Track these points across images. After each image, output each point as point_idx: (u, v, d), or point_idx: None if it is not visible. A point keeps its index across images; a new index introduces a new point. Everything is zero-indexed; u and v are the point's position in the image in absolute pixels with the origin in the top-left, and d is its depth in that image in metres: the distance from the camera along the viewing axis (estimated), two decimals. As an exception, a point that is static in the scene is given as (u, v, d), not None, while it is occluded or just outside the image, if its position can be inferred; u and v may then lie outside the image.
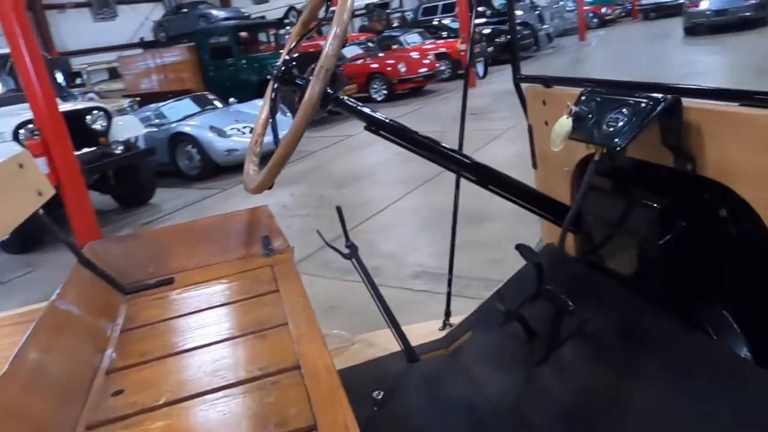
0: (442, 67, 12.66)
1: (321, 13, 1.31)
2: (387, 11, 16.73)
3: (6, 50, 4.91)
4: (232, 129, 7.43)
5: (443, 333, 1.63)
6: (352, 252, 1.43)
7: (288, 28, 15.90)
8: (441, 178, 5.87)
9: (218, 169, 7.43)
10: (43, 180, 1.41)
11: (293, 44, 1.28)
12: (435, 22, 16.01)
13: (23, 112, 5.18)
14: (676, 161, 1.06)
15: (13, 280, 4.92)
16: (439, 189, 5.65)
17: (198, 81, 11.10)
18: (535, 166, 1.58)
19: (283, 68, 1.17)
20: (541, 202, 1.41)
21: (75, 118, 5.52)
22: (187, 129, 7.50)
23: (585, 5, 19.46)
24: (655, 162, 1.11)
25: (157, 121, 7.98)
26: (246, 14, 17.96)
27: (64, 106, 5.51)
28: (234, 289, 1.35)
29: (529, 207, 1.41)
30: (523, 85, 1.54)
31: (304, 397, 0.93)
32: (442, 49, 13.03)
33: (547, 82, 1.43)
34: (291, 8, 19.88)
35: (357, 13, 19.02)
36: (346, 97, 1.15)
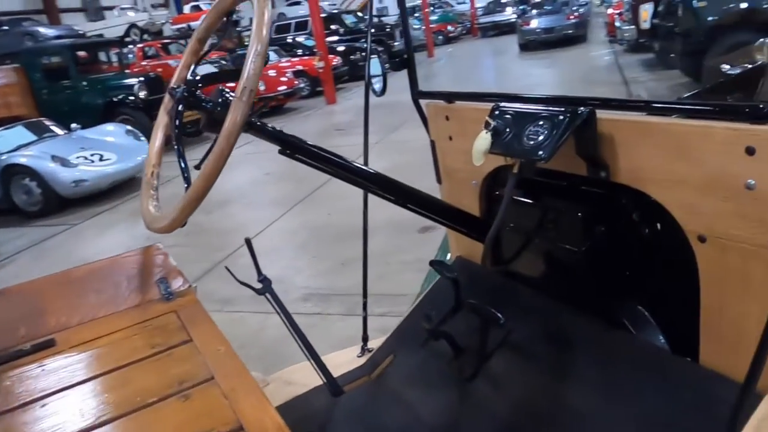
0: (301, 85, 12.64)
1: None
2: (238, 29, 16.30)
3: None
4: (78, 157, 6.74)
5: (363, 359, 1.56)
6: (265, 286, 1.32)
7: (131, 47, 14.85)
8: (314, 197, 5.80)
9: (64, 202, 6.70)
10: None
11: (193, 65, 1.16)
12: (289, 40, 15.93)
13: None
14: (589, 169, 1.11)
15: None
16: (313, 208, 5.57)
17: (29, 106, 9.87)
18: (439, 181, 1.58)
19: (186, 90, 1.05)
20: (453, 216, 1.42)
21: None
22: (22, 160, 6.66)
23: (430, 24, 20.62)
24: (568, 171, 1.16)
25: (-19, 154, 7.01)
26: (81, 32, 16.48)
27: None
28: (135, 344, 1.13)
29: (443, 221, 1.42)
30: (423, 102, 1.53)
31: None
32: (300, 67, 13.00)
33: (449, 97, 1.44)
34: (132, 26, 18.60)
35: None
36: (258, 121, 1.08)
